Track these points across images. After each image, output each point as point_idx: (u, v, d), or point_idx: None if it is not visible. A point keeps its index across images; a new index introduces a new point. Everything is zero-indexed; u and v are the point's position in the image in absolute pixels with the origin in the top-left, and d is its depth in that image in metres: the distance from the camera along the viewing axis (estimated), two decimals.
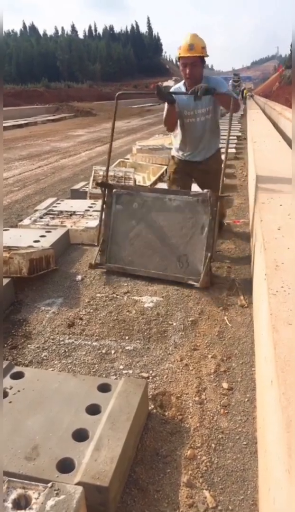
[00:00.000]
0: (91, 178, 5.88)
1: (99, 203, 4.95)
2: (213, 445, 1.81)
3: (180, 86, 3.59)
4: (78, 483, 1.40)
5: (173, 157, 3.96)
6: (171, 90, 3.55)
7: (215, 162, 3.75)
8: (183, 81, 3.55)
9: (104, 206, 3.49)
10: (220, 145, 3.87)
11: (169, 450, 1.79)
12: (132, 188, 4.00)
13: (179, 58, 3.39)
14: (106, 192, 3.46)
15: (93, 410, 1.75)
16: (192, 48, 3.30)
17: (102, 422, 1.67)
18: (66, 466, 1.50)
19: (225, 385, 2.17)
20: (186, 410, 2.01)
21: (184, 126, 3.65)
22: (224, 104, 3.42)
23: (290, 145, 5.47)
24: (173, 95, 3.45)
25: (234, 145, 9.88)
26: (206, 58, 3.37)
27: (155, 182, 6.18)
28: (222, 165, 3.29)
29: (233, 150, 9.19)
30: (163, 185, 5.61)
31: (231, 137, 11.74)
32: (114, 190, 3.52)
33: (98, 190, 5.55)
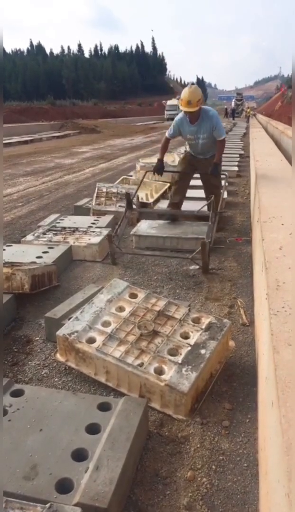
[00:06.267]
0: (95, 195, 5.94)
1: (102, 219, 5.01)
2: (213, 466, 1.79)
3: (183, 117, 4.50)
4: (77, 504, 1.39)
5: (186, 151, 5.18)
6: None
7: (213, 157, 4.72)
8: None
9: None
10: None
11: (169, 471, 1.77)
12: None
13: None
14: None
15: (93, 429, 1.74)
16: (190, 104, 4.21)
17: (101, 442, 1.66)
18: (64, 486, 1.48)
19: (226, 405, 2.16)
20: (186, 431, 1.99)
21: (189, 144, 4.81)
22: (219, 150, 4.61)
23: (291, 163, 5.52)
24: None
25: (236, 163, 9.98)
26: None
27: (157, 199, 6.23)
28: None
29: (236, 168, 9.28)
30: (166, 202, 5.67)
31: (233, 155, 11.77)
32: None
33: (101, 207, 5.62)
